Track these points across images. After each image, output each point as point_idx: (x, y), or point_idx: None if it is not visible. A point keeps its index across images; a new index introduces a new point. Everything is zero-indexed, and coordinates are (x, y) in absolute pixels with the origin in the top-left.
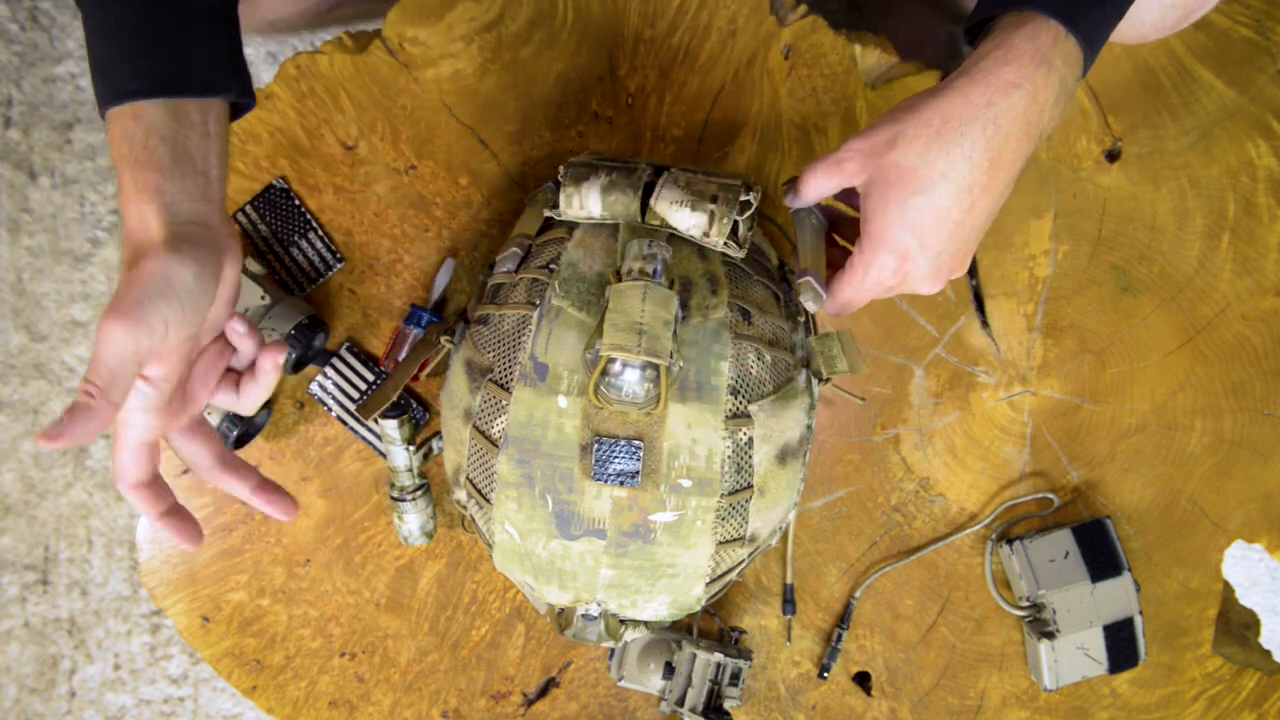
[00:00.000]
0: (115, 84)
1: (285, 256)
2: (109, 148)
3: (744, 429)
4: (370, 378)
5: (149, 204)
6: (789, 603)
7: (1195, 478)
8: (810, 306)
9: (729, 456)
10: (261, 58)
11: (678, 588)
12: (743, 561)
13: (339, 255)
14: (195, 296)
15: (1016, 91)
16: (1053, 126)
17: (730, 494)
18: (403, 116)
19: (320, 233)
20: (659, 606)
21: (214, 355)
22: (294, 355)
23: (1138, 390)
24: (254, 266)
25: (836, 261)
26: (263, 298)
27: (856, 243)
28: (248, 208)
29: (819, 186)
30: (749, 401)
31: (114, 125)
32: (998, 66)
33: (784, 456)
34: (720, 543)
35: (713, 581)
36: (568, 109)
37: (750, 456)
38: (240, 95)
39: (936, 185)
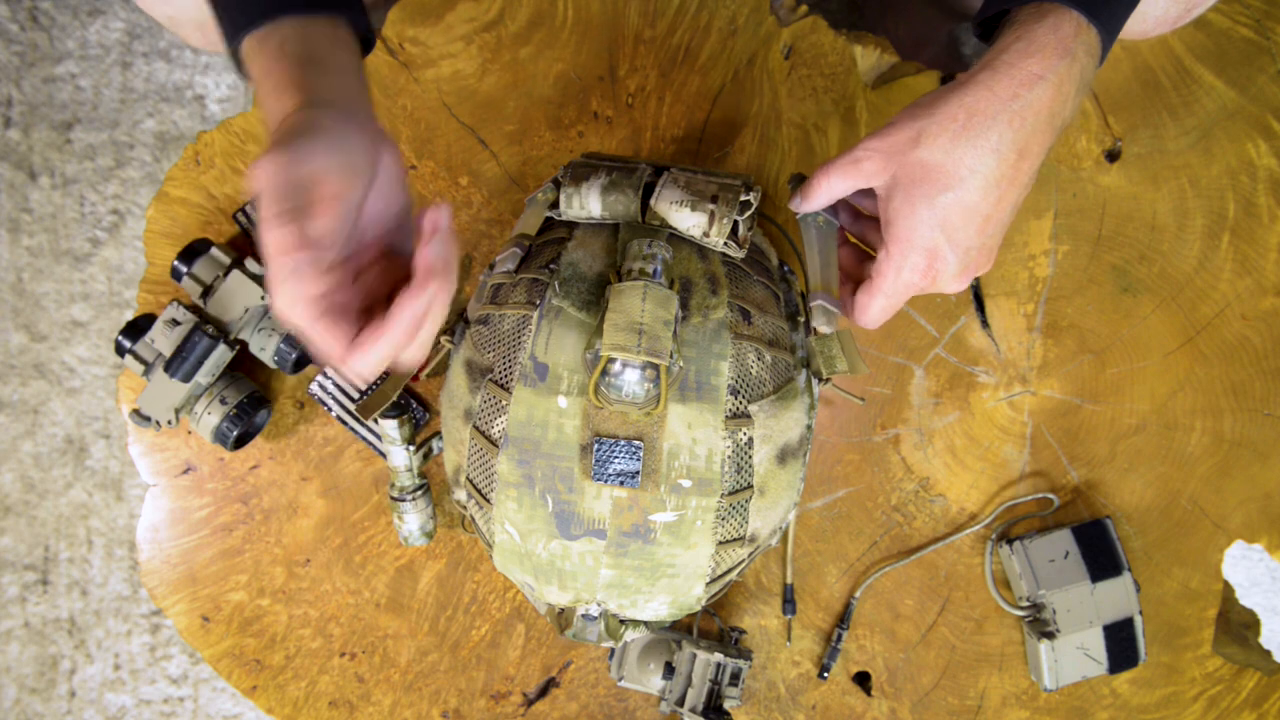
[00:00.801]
0: (240, 15)
1: None
2: (252, 77)
3: (744, 429)
4: None
5: (286, 94)
6: (789, 603)
7: (1195, 478)
8: (824, 329)
9: (729, 456)
10: None
11: (678, 588)
12: (743, 561)
13: None
14: (341, 142)
15: (1041, 83)
16: (1073, 117)
17: (730, 494)
18: (403, 116)
19: None
20: (659, 606)
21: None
22: (293, 355)
23: (1138, 390)
24: (254, 267)
25: (848, 263)
26: (262, 298)
27: (880, 248)
28: (248, 208)
29: (832, 188)
30: (749, 401)
31: (250, 56)
32: (1021, 59)
33: (784, 456)
34: (720, 543)
35: (713, 581)
36: (568, 109)
37: (750, 456)
38: (365, 28)
39: (965, 181)
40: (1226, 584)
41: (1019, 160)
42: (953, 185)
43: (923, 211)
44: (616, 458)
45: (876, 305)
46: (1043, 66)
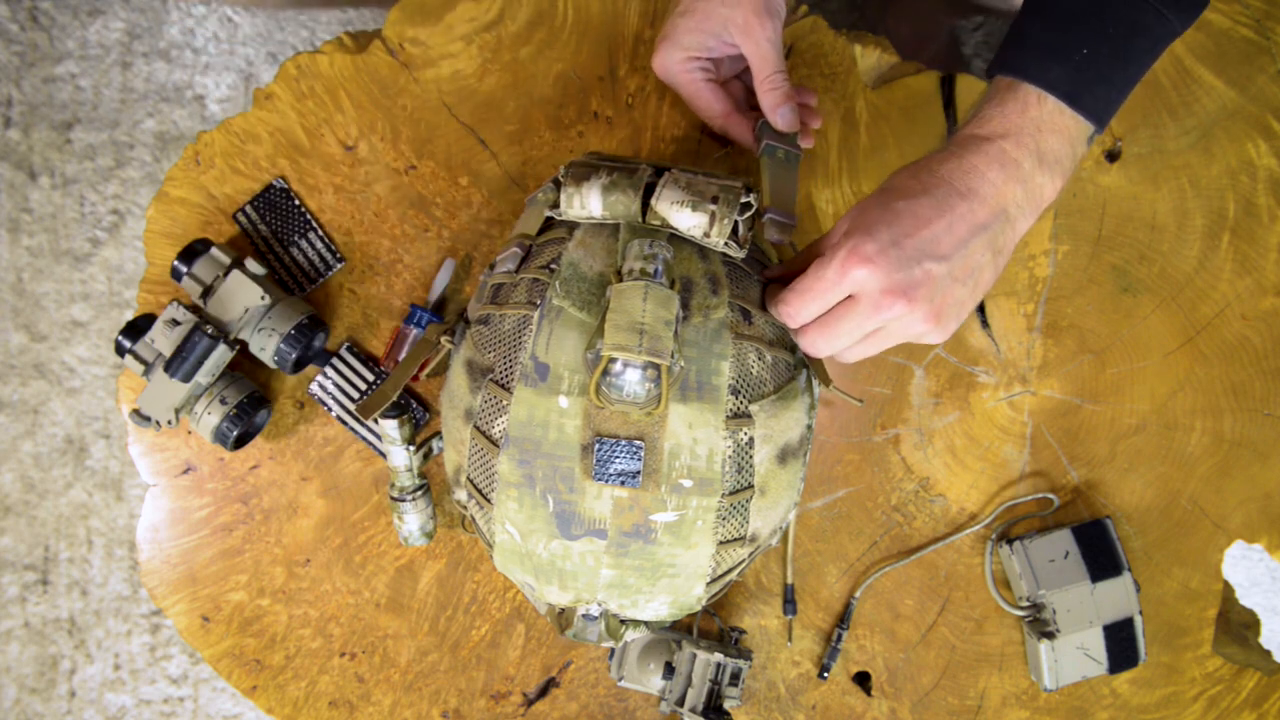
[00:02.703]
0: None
1: (285, 256)
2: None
3: (745, 429)
4: (370, 378)
5: None
6: (789, 603)
7: (1195, 478)
8: (773, 237)
9: (730, 456)
10: (262, 58)
11: (678, 588)
12: (743, 561)
13: (339, 255)
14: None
15: (989, 144)
16: (1051, 188)
17: (731, 494)
18: (403, 116)
19: (320, 233)
20: (659, 606)
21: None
22: (293, 355)
23: (1138, 390)
24: (254, 266)
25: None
26: (262, 298)
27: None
28: (248, 208)
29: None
30: (750, 401)
31: None
32: (974, 129)
33: (784, 456)
34: (721, 542)
35: (713, 581)
36: (568, 109)
37: (751, 456)
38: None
39: (918, 198)
40: (1226, 584)
41: (977, 203)
42: (906, 196)
43: (874, 211)
44: (617, 457)
45: (806, 282)
46: (989, 131)
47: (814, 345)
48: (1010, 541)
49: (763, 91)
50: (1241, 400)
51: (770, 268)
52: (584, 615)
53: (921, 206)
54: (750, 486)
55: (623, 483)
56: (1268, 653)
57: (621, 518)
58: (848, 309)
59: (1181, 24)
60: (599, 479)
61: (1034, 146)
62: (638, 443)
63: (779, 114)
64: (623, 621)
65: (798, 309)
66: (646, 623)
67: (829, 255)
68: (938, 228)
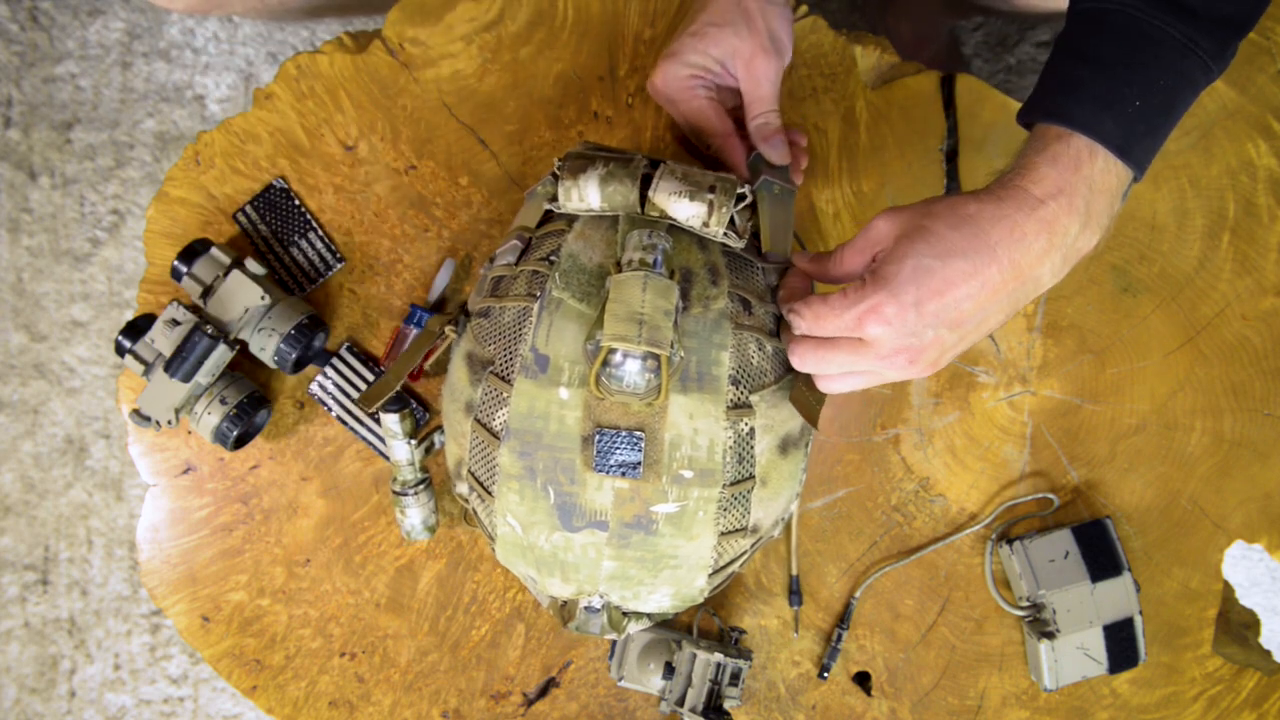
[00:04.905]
0: None
1: (285, 256)
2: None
3: (745, 419)
4: (370, 378)
5: None
6: (795, 594)
7: (1195, 478)
8: (771, 281)
9: (730, 447)
10: (262, 58)
11: (680, 579)
12: (745, 552)
13: (339, 255)
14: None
15: (1042, 207)
16: (1088, 246)
17: (732, 484)
18: (403, 116)
19: (320, 233)
20: (661, 598)
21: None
22: (293, 355)
23: (1138, 390)
24: (254, 266)
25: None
26: (262, 298)
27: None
28: (248, 208)
29: (850, 264)
30: (750, 392)
31: None
32: (1029, 184)
33: (785, 447)
34: (722, 533)
35: (715, 572)
36: (568, 109)
37: (752, 447)
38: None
39: (954, 259)
40: (1226, 584)
41: (1012, 273)
42: (942, 254)
43: (909, 266)
44: (618, 449)
45: (813, 309)
46: (1043, 192)
47: (802, 360)
48: (1010, 541)
49: (754, 126)
50: (1241, 400)
51: (800, 254)
52: (586, 607)
53: (954, 270)
54: (751, 477)
55: (623, 474)
56: (1268, 653)
57: (623, 509)
58: (851, 346)
59: (1218, 73)
60: (600, 470)
61: (1084, 209)
62: (638, 434)
63: (771, 145)
64: (625, 613)
65: (807, 326)
66: (649, 615)
67: (853, 296)
68: (963, 291)
